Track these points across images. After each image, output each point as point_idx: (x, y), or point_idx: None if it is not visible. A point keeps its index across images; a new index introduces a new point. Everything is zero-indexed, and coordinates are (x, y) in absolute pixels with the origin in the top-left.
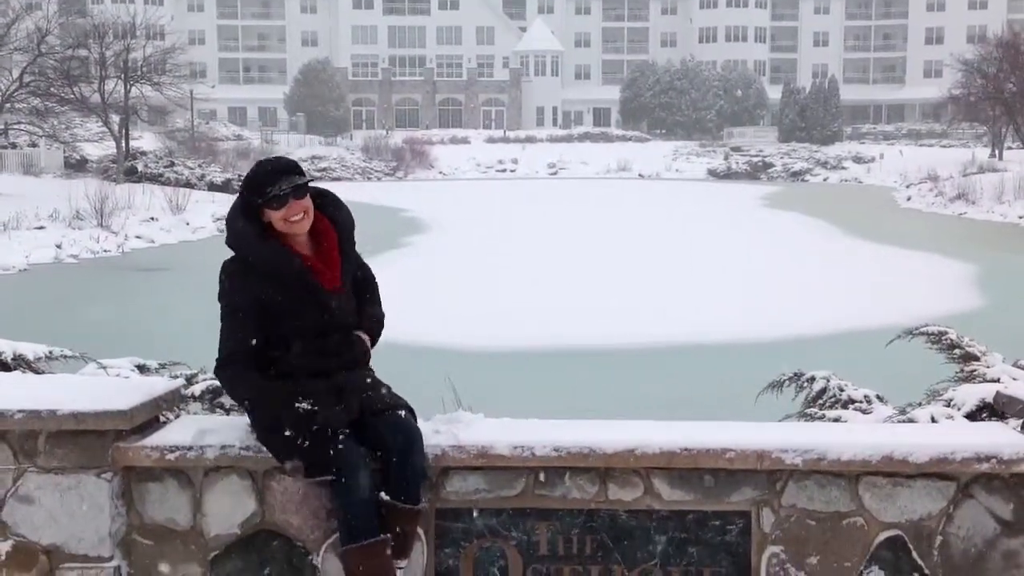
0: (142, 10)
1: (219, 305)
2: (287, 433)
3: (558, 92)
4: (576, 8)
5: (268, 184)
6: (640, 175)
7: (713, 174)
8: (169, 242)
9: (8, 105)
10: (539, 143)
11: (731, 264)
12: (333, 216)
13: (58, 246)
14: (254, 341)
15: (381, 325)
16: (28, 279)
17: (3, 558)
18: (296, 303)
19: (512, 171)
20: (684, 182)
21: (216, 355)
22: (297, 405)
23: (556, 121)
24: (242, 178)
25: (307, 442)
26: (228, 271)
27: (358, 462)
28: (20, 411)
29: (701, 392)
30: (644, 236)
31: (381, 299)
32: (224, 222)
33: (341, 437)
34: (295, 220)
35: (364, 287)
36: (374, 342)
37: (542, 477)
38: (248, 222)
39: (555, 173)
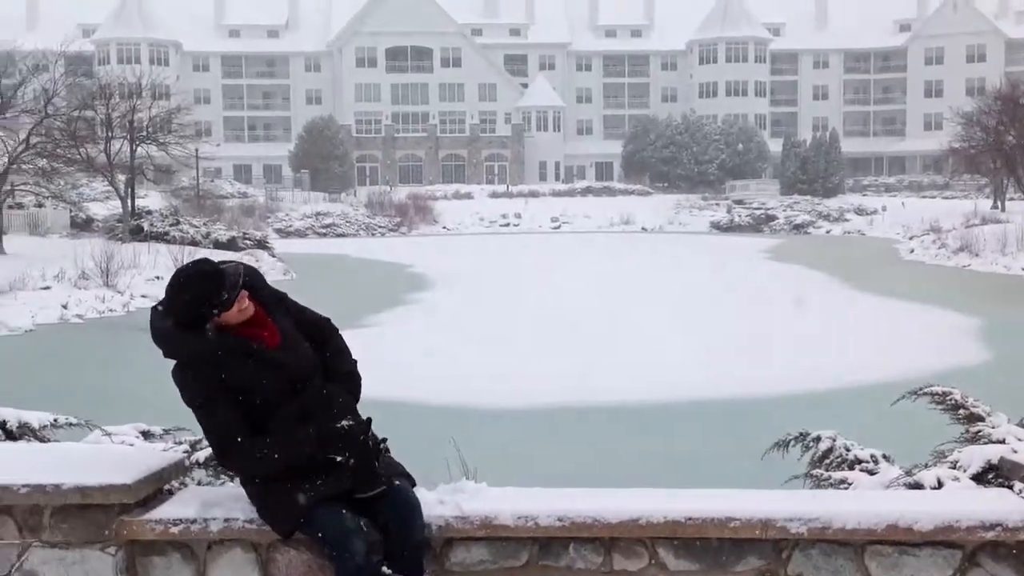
0: (148, 70)
1: (190, 410)
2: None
3: (560, 147)
4: (577, 64)
5: (220, 291)
6: (643, 228)
7: (716, 227)
8: None
9: (15, 166)
10: (542, 197)
11: (733, 318)
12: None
13: (64, 306)
14: (237, 420)
15: (356, 378)
16: (33, 340)
17: None
18: (252, 375)
19: (516, 225)
20: (687, 235)
21: (213, 453)
22: (335, 424)
23: (559, 175)
24: (172, 306)
25: (352, 459)
26: (179, 377)
27: (354, 530)
28: (25, 485)
29: (706, 450)
30: (647, 290)
31: (345, 347)
32: (153, 339)
33: (336, 507)
34: (245, 306)
35: (323, 343)
36: (356, 397)
37: (547, 547)
38: (178, 330)
39: (558, 227)
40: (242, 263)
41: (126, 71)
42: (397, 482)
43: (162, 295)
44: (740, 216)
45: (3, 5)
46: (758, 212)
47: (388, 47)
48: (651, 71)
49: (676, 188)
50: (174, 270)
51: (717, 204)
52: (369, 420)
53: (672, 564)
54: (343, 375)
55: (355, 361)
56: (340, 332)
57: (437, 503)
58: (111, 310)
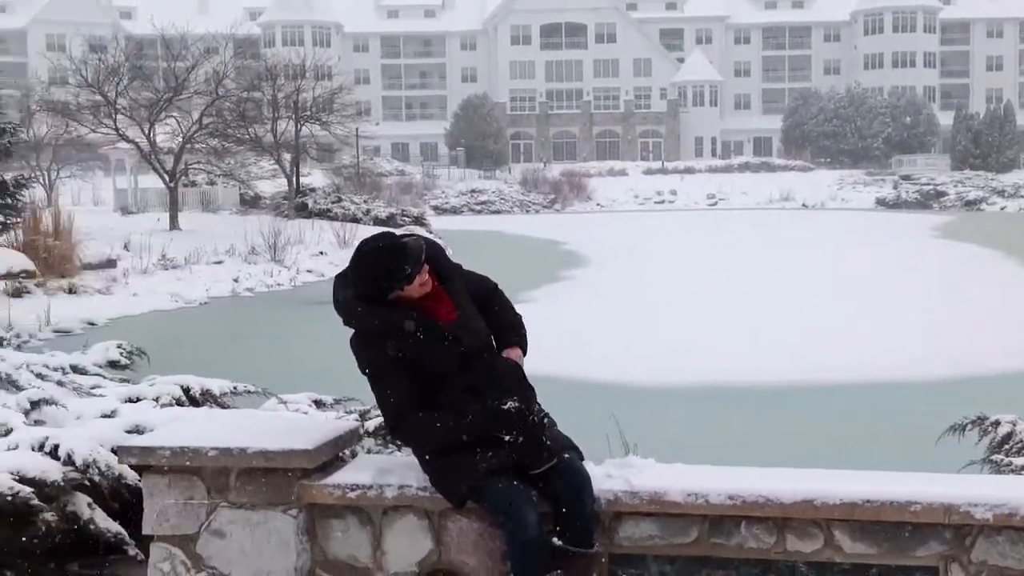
0: (311, 52)
1: (365, 378)
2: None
3: (717, 122)
4: (735, 37)
5: (402, 266)
6: (804, 205)
7: (881, 203)
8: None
9: (189, 146)
10: (698, 174)
11: (902, 298)
12: (426, 255)
13: (235, 280)
14: (411, 393)
15: (521, 328)
16: (208, 312)
17: None
18: (427, 349)
19: (670, 202)
20: (851, 212)
21: (385, 423)
22: (502, 405)
23: (715, 151)
24: (356, 276)
25: (521, 437)
26: (357, 346)
27: (525, 502)
28: (214, 448)
29: (878, 433)
30: (810, 268)
31: (509, 302)
32: (334, 307)
33: (507, 478)
34: (425, 281)
35: (485, 299)
36: (523, 348)
37: (717, 525)
38: (358, 301)
39: (714, 204)
40: (423, 237)
41: (291, 53)
42: (567, 455)
43: (325, 271)
44: (907, 192)
45: None
46: (927, 188)
47: (543, 24)
48: (813, 43)
49: (839, 163)
50: (356, 243)
51: (882, 180)
52: (534, 394)
53: (848, 547)
54: (510, 326)
55: (519, 315)
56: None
57: (605, 477)
58: (278, 284)
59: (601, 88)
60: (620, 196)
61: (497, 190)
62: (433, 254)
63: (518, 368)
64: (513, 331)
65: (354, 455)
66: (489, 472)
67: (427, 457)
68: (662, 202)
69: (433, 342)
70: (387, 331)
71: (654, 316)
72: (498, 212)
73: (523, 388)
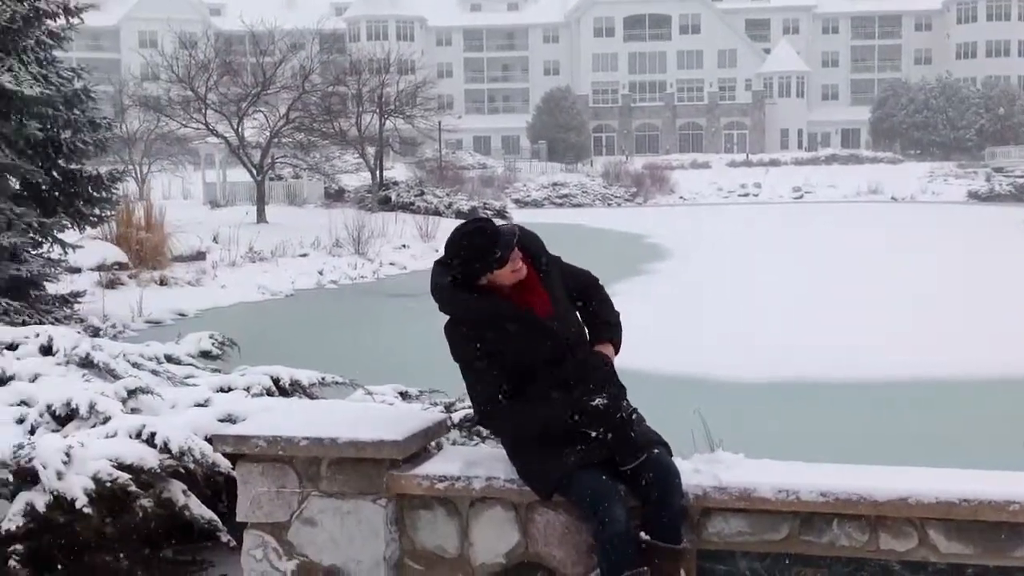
0: (395, 46)
1: (457, 366)
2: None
3: (803, 114)
4: (823, 27)
5: (493, 249)
6: (893, 198)
7: (974, 196)
8: (419, 268)
9: (276, 140)
10: (783, 166)
11: (995, 295)
12: (521, 243)
13: (320, 272)
14: (501, 384)
15: (618, 327)
16: (294, 304)
17: None
18: (521, 340)
19: (755, 195)
20: (942, 205)
21: (473, 410)
22: (590, 401)
23: (801, 143)
24: (450, 258)
25: (608, 434)
26: (450, 333)
27: (614, 496)
28: (305, 438)
29: (974, 431)
30: (899, 262)
31: (609, 298)
32: (431, 293)
33: (595, 472)
34: (519, 268)
35: (584, 293)
36: (617, 345)
37: (808, 523)
38: (454, 287)
39: (800, 197)
40: (519, 225)
41: (375, 47)
42: (656, 450)
43: (407, 263)
44: (1001, 185)
45: None
46: (1020, 180)
47: (626, 16)
48: (903, 32)
49: (929, 155)
50: (438, 236)
51: (975, 172)
52: (624, 391)
53: (943, 546)
54: (604, 323)
55: (618, 312)
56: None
57: (693, 472)
58: (362, 276)
59: (685, 80)
60: (703, 189)
61: (579, 183)
62: (529, 243)
63: (608, 365)
64: (607, 328)
65: (439, 447)
66: (577, 465)
67: (515, 449)
68: (746, 195)
69: (527, 334)
70: (481, 319)
71: (738, 310)
72: (579, 205)
73: (612, 385)
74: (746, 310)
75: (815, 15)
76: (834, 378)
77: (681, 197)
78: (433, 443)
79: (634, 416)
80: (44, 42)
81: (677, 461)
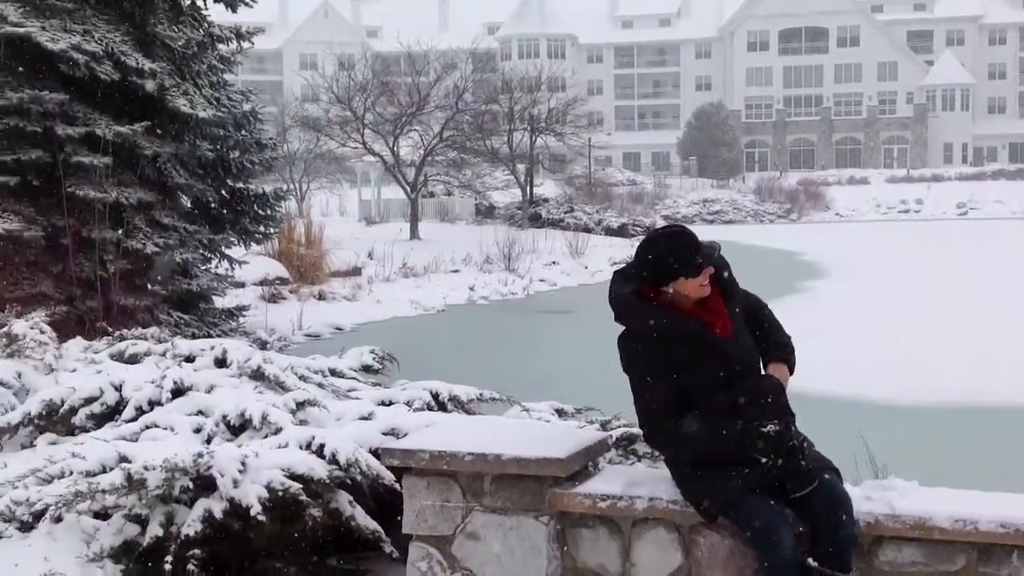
0: (546, 64)
1: (627, 378)
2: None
3: (968, 127)
4: (990, 38)
5: (693, 253)
6: None
7: None
8: (569, 285)
9: (429, 158)
10: (946, 182)
11: None
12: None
13: (471, 288)
14: (671, 399)
15: (790, 349)
16: (446, 319)
17: None
18: (695, 359)
19: (916, 212)
20: None
21: (639, 425)
22: (762, 427)
23: (966, 158)
24: (645, 255)
25: (779, 460)
26: (624, 344)
27: (782, 521)
28: (470, 453)
29: None
30: None
31: (779, 322)
32: (609, 301)
33: (763, 496)
34: (707, 283)
35: (758, 319)
36: (791, 367)
37: (987, 554)
38: (636, 296)
39: (964, 213)
40: (716, 242)
41: (527, 65)
42: (827, 476)
43: (557, 280)
44: None
45: (420, 12)
46: None
47: (781, 29)
48: None
49: None
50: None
51: None
52: (794, 417)
53: None
54: (782, 346)
55: (790, 336)
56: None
57: (864, 499)
58: (512, 293)
59: (842, 93)
60: (861, 205)
61: (730, 200)
62: (721, 264)
63: (781, 390)
64: (782, 349)
65: (595, 466)
66: (746, 489)
67: (681, 469)
68: (907, 211)
69: (704, 353)
70: (660, 332)
71: (898, 331)
72: (731, 222)
73: (783, 412)
74: (907, 331)
75: (981, 26)
76: (1006, 402)
77: (837, 214)
78: (591, 462)
79: (805, 444)
80: (215, 66)
81: (847, 487)
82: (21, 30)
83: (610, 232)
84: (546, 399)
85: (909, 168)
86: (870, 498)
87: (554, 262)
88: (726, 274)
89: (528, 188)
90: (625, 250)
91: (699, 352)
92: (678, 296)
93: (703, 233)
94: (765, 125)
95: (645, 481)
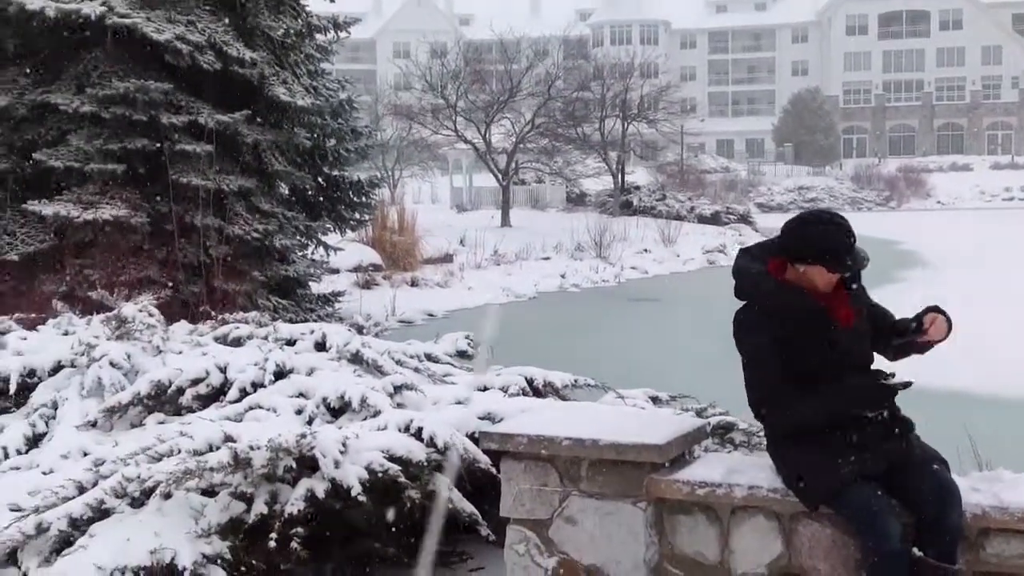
0: (639, 51)
1: (739, 355)
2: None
3: None
4: None
5: (845, 251)
6: None
7: None
8: (661, 273)
9: (521, 145)
10: None
11: None
12: None
13: (562, 276)
14: (780, 379)
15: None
16: (537, 306)
17: (549, 572)
18: (811, 341)
19: (1021, 199)
20: None
21: (748, 403)
22: (870, 413)
23: None
24: (798, 229)
25: (883, 413)
26: (740, 320)
27: (888, 511)
28: (567, 439)
29: None
30: None
31: None
32: (733, 274)
33: (869, 486)
34: (834, 282)
35: (883, 322)
36: (949, 323)
37: None
38: (763, 271)
39: None
40: (867, 255)
41: (619, 52)
42: (935, 466)
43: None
44: None
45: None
46: None
47: (881, 12)
48: None
49: None
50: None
51: None
52: (908, 384)
53: None
54: (928, 308)
55: None
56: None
57: (971, 491)
58: (604, 280)
59: (944, 78)
60: (964, 193)
61: (826, 187)
62: (858, 274)
63: (888, 390)
64: (934, 308)
65: (691, 453)
66: (852, 477)
67: (785, 455)
68: (1011, 199)
69: (820, 336)
70: (783, 308)
71: (1003, 322)
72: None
73: (892, 403)
74: (1013, 322)
75: None
76: None
77: (939, 201)
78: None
79: (913, 431)
80: (313, 55)
81: (954, 478)
82: (127, 21)
83: (702, 220)
84: (638, 387)
85: (1014, 155)
86: (977, 489)
87: (645, 250)
88: (855, 285)
89: (620, 176)
90: (718, 238)
91: (816, 334)
92: (804, 280)
93: None
94: (864, 111)
95: (745, 468)
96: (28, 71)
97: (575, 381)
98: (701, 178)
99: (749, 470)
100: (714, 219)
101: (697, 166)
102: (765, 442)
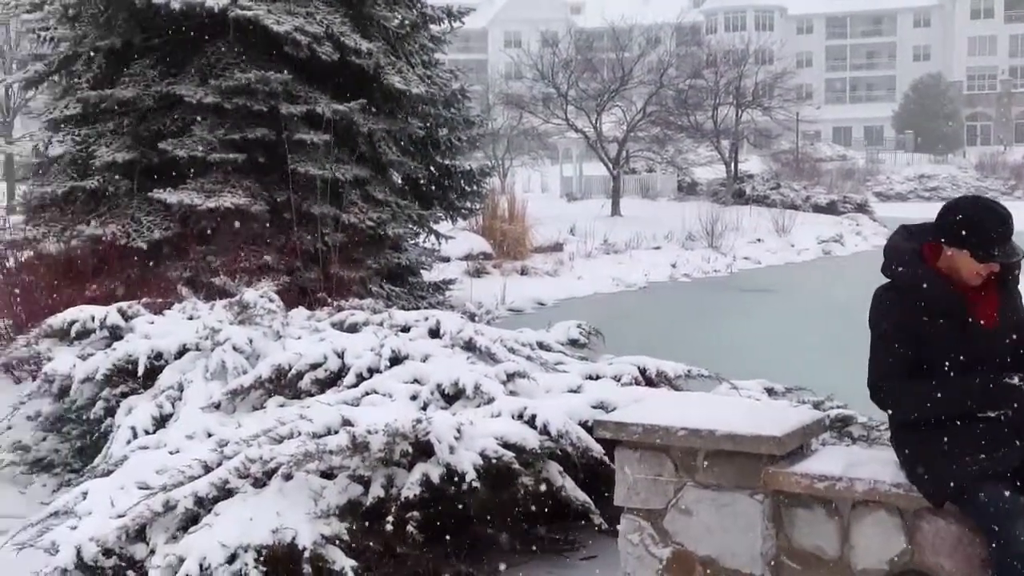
0: (754, 37)
1: (869, 331)
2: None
3: None
4: None
5: (996, 242)
6: None
7: None
8: (774, 263)
9: (632, 134)
10: None
11: None
12: None
13: (672, 265)
14: (907, 362)
15: None
16: (648, 296)
17: (664, 563)
18: (948, 338)
19: None
20: None
21: (868, 383)
22: (1008, 380)
23: None
24: (956, 211)
25: (1009, 412)
26: (879, 297)
27: (1018, 513)
28: (683, 429)
29: None
30: None
31: None
32: (884, 250)
33: (998, 485)
34: (983, 275)
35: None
36: None
37: None
38: (914, 250)
39: None
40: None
41: (733, 38)
42: None
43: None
44: None
45: None
46: None
47: None
48: None
49: None
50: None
51: None
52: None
53: None
54: None
55: None
56: None
57: None
58: (715, 270)
59: None
60: None
61: (949, 175)
62: (1011, 268)
63: (1013, 391)
64: None
65: (808, 446)
66: (981, 475)
67: (911, 450)
68: None
69: (957, 332)
70: (925, 292)
71: None
72: (949, 199)
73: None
74: None
75: None
76: None
77: None
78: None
79: None
80: (427, 46)
81: None
82: (250, 13)
83: (818, 209)
84: (751, 378)
85: None
86: None
87: (758, 240)
88: (1015, 276)
89: (733, 164)
90: (834, 228)
91: (952, 328)
92: (951, 266)
93: (921, 211)
94: (988, 97)
95: (865, 462)
96: (154, 63)
97: (688, 371)
98: (817, 166)
99: (870, 464)
100: (830, 208)
101: (813, 154)
102: (885, 436)
